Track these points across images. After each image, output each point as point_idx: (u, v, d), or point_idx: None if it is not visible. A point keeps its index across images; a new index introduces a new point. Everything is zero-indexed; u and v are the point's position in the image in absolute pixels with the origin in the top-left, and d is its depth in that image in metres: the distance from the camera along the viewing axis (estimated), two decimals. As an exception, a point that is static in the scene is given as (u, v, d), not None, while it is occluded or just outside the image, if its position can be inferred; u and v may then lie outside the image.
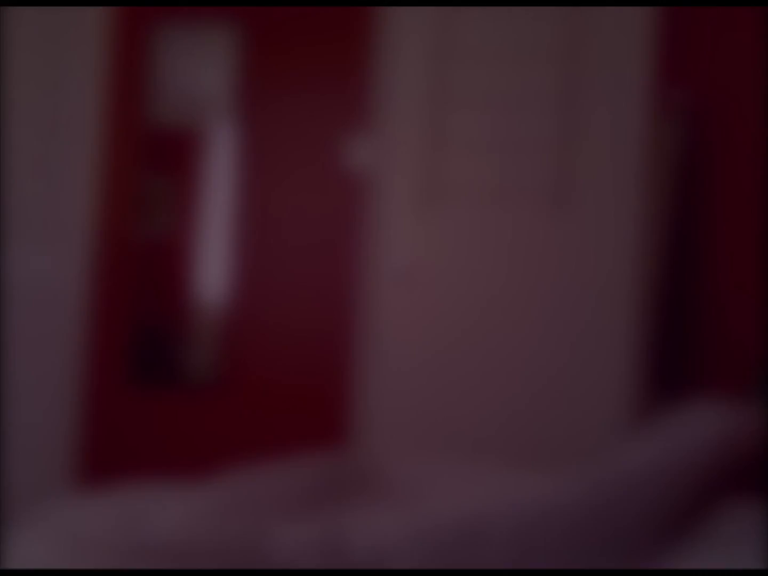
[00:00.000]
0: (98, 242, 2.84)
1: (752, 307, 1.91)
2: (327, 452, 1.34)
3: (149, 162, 2.84)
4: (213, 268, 2.81)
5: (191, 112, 2.87)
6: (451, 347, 2.73)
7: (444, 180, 2.72)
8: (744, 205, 1.99)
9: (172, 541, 0.78)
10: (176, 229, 2.84)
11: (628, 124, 2.65)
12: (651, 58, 2.61)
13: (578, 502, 0.93)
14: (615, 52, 2.67)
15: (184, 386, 2.80)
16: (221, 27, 2.81)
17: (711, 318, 2.20)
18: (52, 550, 0.70)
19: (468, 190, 2.71)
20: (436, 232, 2.73)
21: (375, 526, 0.90)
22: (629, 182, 2.63)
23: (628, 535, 0.97)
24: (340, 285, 2.76)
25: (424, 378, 2.74)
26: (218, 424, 2.78)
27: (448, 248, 2.74)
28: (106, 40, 2.85)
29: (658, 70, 2.63)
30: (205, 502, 1.10)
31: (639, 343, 2.45)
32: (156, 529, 0.90)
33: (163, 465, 2.79)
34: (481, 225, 2.72)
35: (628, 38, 2.65)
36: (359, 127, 2.75)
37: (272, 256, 2.78)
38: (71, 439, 2.83)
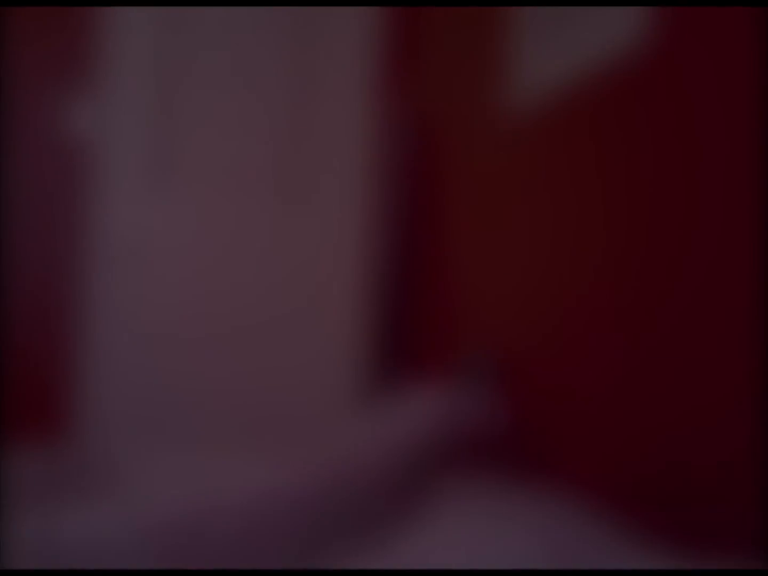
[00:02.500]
0: None
1: (460, 298, 2.06)
2: (43, 441, 1.23)
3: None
4: None
5: None
6: (177, 329, 2.65)
7: (172, 155, 2.63)
8: (460, 210, 2.14)
9: None
10: None
11: (355, 124, 2.74)
12: (375, 62, 2.70)
13: (303, 489, 0.93)
14: (343, 50, 2.75)
15: None
16: None
17: (426, 307, 2.34)
18: None
19: (197, 168, 2.65)
20: (162, 211, 2.63)
21: (92, 521, 0.84)
22: (354, 180, 2.74)
23: (355, 518, 0.99)
24: (60, 260, 2.56)
25: (151, 363, 2.63)
26: None
27: (176, 226, 2.65)
28: None
29: (383, 75, 2.74)
30: None
31: (363, 332, 2.55)
32: None
33: None
34: (207, 205, 2.67)
35: (356, 38, 2.75)
36: (78, 90, 2.56)
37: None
38: None
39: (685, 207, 1.07)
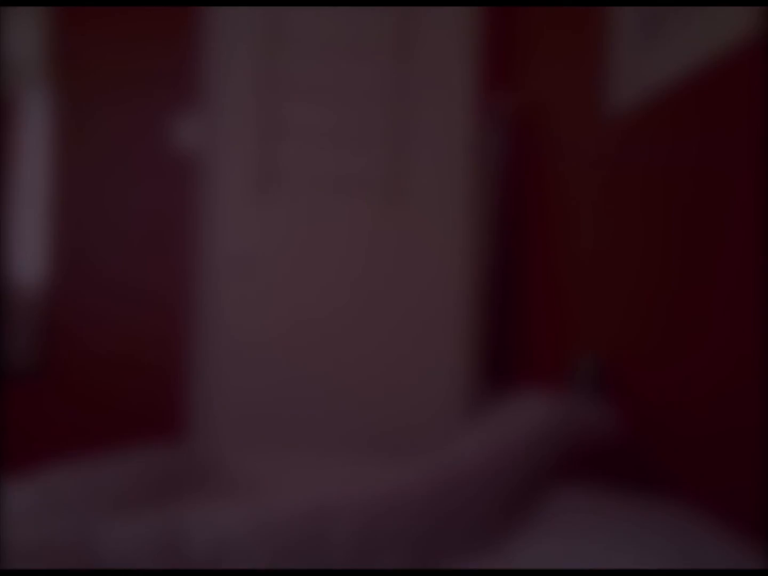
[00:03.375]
0: None
1: (569, 301, 2.03)
2: (163, 444, 1.28)
3: None
4: (33, 248, 2.63)
5: (3, 83, 2.66)
6: (288, 337, 2.71)
7: (277, 168, 2.70)
8: (564, 210, 2.10)
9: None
10: None
11: (455, 125, 2.75)
12: (477, 62, 2.70)
13: (420, 493, 0.94)
14: (442, 53, 2.76)
15: (3, 374, 2.60)
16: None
17: (533, 314, 2.31)
18: None
19: (301, 180, 2.71)
20: (270, 221, 2.71)
21: (216, 522, 0.87)
22: (456, 181, 2.74)
23: (469, 523, 0.99)
24: (170, 271, 2.67)
25: (262, 369, 2.70)
26: (41, 415, 2.61)
27: (282, 237, 2.72)
28: None
29: (484, 73, 2.74)
30: (29, 499, 1.02)
31: (470, 336, 2.54)
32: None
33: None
34: (314, 215, 2.72)
35: (456, 40, 2.75)
36: (186, 105, 2.66)
37: (94, 237, 2.65)
38: None
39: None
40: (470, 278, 2.73)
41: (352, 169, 2.72)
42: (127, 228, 2.65)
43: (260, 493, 1.21)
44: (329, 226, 2.73)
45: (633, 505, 1.10)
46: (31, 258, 2.63)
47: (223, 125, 2.68)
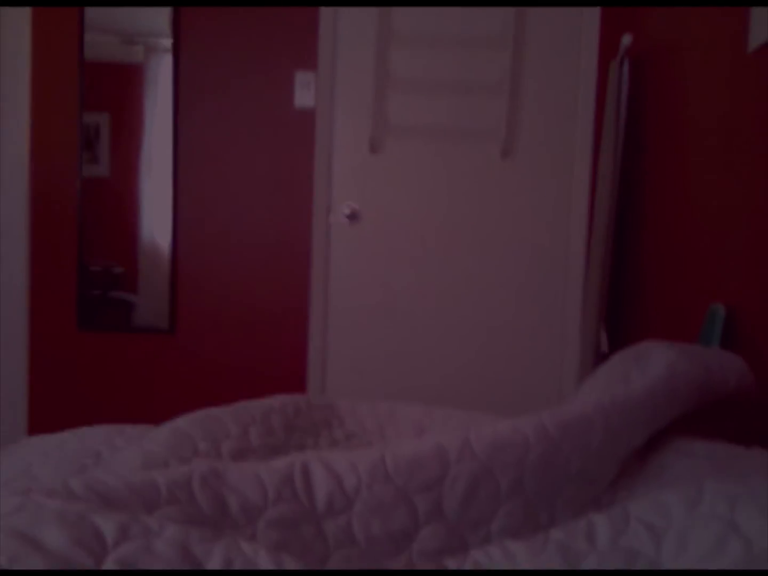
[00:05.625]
0: (39, 184, 2.74)
1: (694, 253, 1.93)
2: (281, 396, 1.32)
3: (88, 99, 2.72)
4: (160, 209, 2.74)
5: (129, 44, 2.74)
6: (399, 296, 2.73)
7: (393, 119, 2.69)
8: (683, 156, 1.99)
9: (125, 486, 0.75)
10: (118, 170, 2.74)
11: (577, 69, 2.64)
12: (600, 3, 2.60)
13: (536, 439, 0.93)
14: None
15: (134, 331, 2.74)
16: None
17: (656, 264, 2.21)
18: (7, 494, 0.66)
19: (417, 131, 2.69)
20: (387, 170, 2.71)
21: (339, 463, 0.89)
22: (576, 130, 2.65)
23: (588, 472, 0.97)
24: (289, 226, 2.72)
25: (380, 325, 2.73)
26: (170, 371, 2.75)
27: (400, 186, 2.72)
28: None
29: (608, 14, 2.61)
30: (163, 444, 1.07)
31: (591, 294, 2.47)
32: (111, 476, 0.86)
33: (115, 408, 2.77)
34: (427, 168, 2.70)
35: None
36: (303, 64, 2.68)
37: (218, 196, 2.72)
38: (25, 383, 2.77)
39: None
40: (587, 232, 2.65)
41: (467, 120, 2.68)
42: (245, 186, 2.72)
43: (383, 438, 1.23)
44: (442, 178, 2.71)
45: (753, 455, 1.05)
46: (161, 219, 2.74)
47: (338, 83, 2.69)
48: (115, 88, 2.74)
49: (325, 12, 2.66)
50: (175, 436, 1.09)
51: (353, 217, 2.69)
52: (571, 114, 2.67)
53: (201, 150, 2.71)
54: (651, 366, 1.19)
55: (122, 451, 1.09)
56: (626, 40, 2.35)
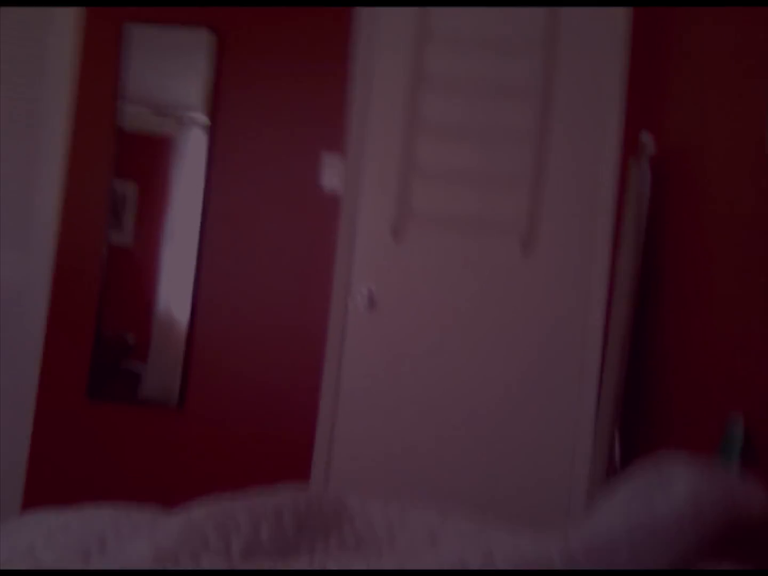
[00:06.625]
0: (64, 248, 2.77)
1: (713, 361, 1.91)
2: (292, 485, 1.29)
3: (118, 167, 2.77)
4: (179, 282, 2.75)
5: (162, 116, 2.81)
6: (415, 382, 2.70)
7: (417, 207, 2.72)
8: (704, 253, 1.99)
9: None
10: (141, 240, 2.77)
11: (597, 165, 2.68)
12: (621, 99, 2.64)
13: (558, 565, 0.90)
14: (586, 90, 2.71)
15: (144, 403, 2.72)
16: (196, 31, 2.76)
17: (674, 371, 2.19)
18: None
19: (439, 220, 2.71)
20: (408, 258, 2.72)
21: None
22: (597, 226, 2.67)
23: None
24: (307, 308, 2.72)
25: (391, 413, 2.70)
26: (177, 445, 2.71)
27: (419, 275, 2.72)
28: (77, 41, 2.80)
29: (628, 111, 2.65)
30: (174, 537, 1.04)
31: (604, 393, 2.44)
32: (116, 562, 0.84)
33: (119, 483, 2.71)
34: (448, 256, 2.72)
35: (601, 76, 2.70)
36: (332, 146, 2.74)
37: (239, 272, 2.73)
38: (26, 449, 2.73)
39: None
40: (603, 331, 2.64)
41: (488, 211, 2.71)
42: (268, 262, 2.73)
43: (395, 546, 1.19)
44: (462, 269, 2.72)
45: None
46: (179, 292, 2.75)
47: (365, 168, 2.73)
48: (145, 158, 2.80)
49: (355, 94, 2.72)
50: (186, 529, 1.07)
51: (371, 302, 2.70)
52: (591, 209, 2.69)
53: (226, 224, 2.74)
54: (675, 487, 1.17)
55: (132, 542, 1.07)
56: (645, 137, 2.40)
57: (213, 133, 2.76)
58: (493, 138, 2.72)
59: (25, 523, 1.26)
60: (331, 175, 2.73)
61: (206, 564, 0.99)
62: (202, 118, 2.76)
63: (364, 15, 2.73)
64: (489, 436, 2.68)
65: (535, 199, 2.71)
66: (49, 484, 2.72)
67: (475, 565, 0.87)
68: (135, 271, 2.76)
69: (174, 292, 2.74)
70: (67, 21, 2.81)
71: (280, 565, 1.03)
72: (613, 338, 2.43)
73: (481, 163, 2.71)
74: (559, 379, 2.68)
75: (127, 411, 2.71)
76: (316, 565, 0.85)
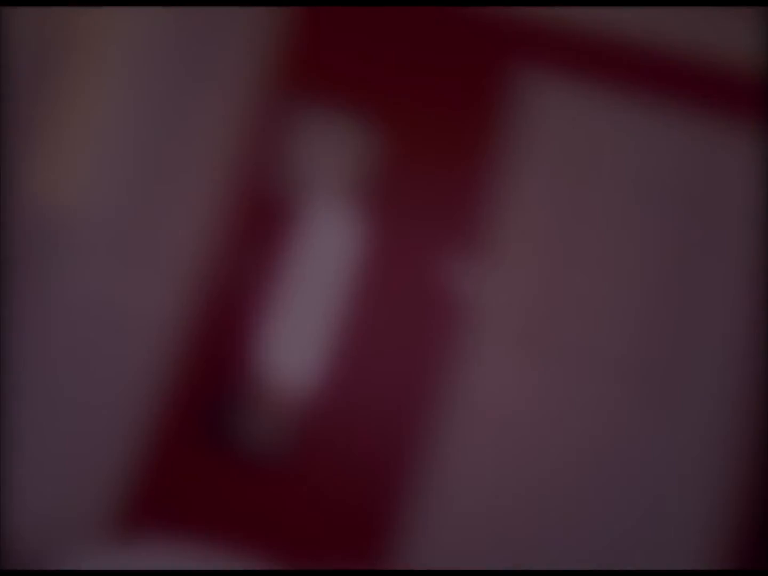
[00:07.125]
0: (195, 300, 2.83)
1: None
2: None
3: (249, 231, 2.84)
4: (298, 348, 2.78)
5: (308, 190, 2.83)
6: (519, 514, 2.55)
7: (543, 329, 2.61)
8: None
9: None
10: (262, 300, 2.81)
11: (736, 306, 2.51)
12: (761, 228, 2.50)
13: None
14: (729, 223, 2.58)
15: (248, 459, 2.75)
16: (357, 115, 2.82)
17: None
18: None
19: (568, 346, 2.60)
20: (527, 380, 2.61)
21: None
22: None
23: None
24: (418, 405, 2.66)
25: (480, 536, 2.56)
26: (273, 502, 2.71)
27: (536, 398, 2.59)
28: (237, 107, 2.87)
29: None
30: None
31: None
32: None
33: (210, 528, 2.72)
34: (570, 386, 2.58)
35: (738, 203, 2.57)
36: (468, 251, 2.68)
37: (358, 353, 2.73)
38: (129, 484, 2.77)
39: None
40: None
41: (620, 348, 2.58)
42: (387, 358, 2.71)
43: None
44: (585, 402, 2.57)
45: None
46: (296, 357, 2.76)
47: (497, 277, 2.62)
48: (279, 224, 2.87)
49: (499, 190, 2.67)
50: None
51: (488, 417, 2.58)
52: None
53: (350, 307, 2.75)
54: None
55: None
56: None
57: (354, 215, 2.78)
58: (631, 268, 2.60)
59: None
60: (460, 279, 2.65)
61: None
62: (348, 199, 2.78)
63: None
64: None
65: (672, 344, 2.56)
66: (147, 520, 2.75)
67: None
68: (253, 333, 2.83)
69: (293, 360, 2.77)
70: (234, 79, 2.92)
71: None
72: None
73: (619, 293, 2.60)
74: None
75: (231, 466, 2.74)
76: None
